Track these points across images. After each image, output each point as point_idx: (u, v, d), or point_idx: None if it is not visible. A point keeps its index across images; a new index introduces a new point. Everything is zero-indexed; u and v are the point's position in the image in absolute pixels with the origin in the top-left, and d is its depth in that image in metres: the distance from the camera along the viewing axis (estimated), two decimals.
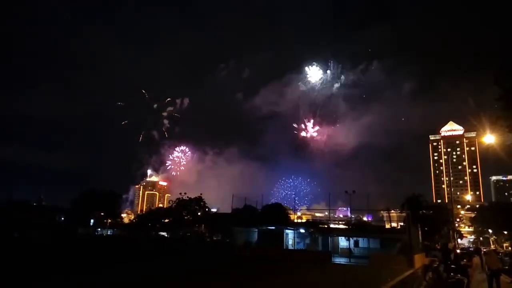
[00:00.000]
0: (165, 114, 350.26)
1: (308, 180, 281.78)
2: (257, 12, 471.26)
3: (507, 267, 24.51)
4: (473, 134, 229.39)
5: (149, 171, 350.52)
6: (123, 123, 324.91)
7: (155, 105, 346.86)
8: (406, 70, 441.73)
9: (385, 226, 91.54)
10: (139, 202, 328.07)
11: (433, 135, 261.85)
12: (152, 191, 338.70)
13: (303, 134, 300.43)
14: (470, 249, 43.22)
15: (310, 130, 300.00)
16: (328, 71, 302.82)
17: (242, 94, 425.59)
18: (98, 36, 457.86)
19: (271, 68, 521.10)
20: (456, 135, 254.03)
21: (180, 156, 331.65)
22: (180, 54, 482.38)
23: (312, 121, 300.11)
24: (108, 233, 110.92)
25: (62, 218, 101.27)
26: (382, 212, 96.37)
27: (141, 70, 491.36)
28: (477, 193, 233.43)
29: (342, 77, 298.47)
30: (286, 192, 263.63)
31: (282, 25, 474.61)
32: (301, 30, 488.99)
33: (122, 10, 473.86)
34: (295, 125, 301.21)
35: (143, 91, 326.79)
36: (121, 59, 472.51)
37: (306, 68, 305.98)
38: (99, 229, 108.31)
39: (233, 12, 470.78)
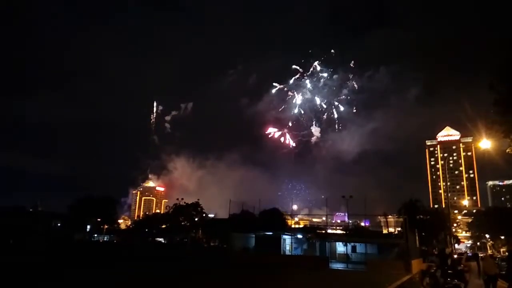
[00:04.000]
0: (168, 118, 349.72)
1: (307, 185, 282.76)
2: (263, 20, 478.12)
3: (504, 272, 24.44)
4: (469, 139, 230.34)
5: (149, 175, 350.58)
6: None
7: (160, 109, 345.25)
8: (407, 76, 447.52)
9: (382, 231, 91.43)
10: (136, 207, 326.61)
11: (429, 140, 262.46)
12: (149, 196, 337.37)
13: (306, 139, 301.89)
14: (469, 254, 43.13)
15: (313, 136, 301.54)
16: (334, 77, 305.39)
17: (246, 100, 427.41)
18: (101, 41, 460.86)
19: (277, 74, 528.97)
20: (453, 140, 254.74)
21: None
22: (186, 60, 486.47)
23: (315, 127, 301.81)
24: (105, 239, 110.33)
25: (59, 224, 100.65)
26: (379, 217, 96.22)
27: (145, 76, 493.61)
28: (474, 198, 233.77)
29: (347, 83, 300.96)
30: (286, 197, 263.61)
31: (288, 33, 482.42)
32: (305, 37, 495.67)
33: (126, 16, 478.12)
34: (298, 131, 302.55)
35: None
36: (125, 64, 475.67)
37: (311, 75, 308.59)
38: (95, 235, 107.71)
39: (241, 20, 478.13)
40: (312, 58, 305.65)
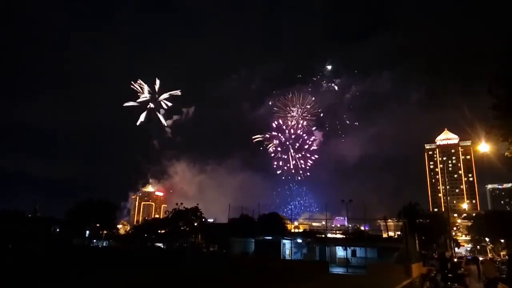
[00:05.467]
0: (169, 122, 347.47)
1: (306, 189, 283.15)
2: (265, 25, 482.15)
3: (504, 276, 24.47)
4: (468, 143, 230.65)
5: (150, 180, 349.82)
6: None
7: (162, 113, 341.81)
8: (407, 81, 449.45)
9: (382, 235, 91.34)
10: (135, 212, 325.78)
11: (428, 144, 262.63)
12: (148, 201, 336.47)
13: (308, 143, 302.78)
14: (468, 257, 43.16)
15: (315, 140, 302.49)
16: (335, 82, 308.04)
17: (248, 105, 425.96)
18: (101, 44, 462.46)
19: (280, 79, 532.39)
20: (452, 143, 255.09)
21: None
22: (188, 64, 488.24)
23: (316, 131, 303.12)
24: (104, 244, 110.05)
25: (58, 230, 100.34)
26: (379, 221, 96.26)
27: (146, 79, 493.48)
28: (474, 201, 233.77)
29: (350, 88, 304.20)
30: (286, 201, 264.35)
31: (291, 38, 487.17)
32: (307, 41, 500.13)
33: (127, 19, 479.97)
34: (300, 135, 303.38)
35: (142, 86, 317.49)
36: (126, 68, 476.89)
37: (313, 79, 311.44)
38: (94, 240, 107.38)
39: (245, 25, 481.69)
40: (314, 64, 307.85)
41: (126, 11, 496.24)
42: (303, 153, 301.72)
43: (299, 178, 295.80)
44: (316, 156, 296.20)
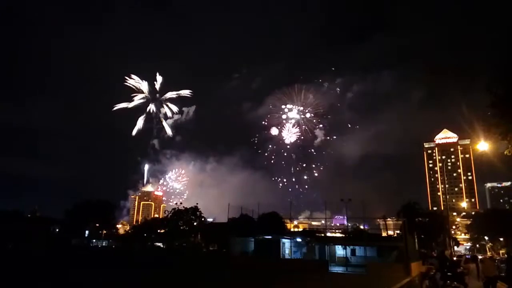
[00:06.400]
0: (170, 122, 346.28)
1: (308, 188, 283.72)
2: (265, 25, 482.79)
3: (503, 274, 24.48)
4: (467, 142, 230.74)
5: (150, 179, 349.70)
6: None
7: (163, 112, 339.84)
8: (406, 80, 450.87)
9: (381, 234, 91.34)
10: (134, 212, 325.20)
11: (427, 143, 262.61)
12: (148, 201, 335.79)
13: (308, 143, 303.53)
14: (467, 256, 43.20)
15: (316, 140, 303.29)
16: (336, 81, 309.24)
17: (248, 104, 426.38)
18: (99, 44, 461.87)
19: (280, 79, 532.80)
20: (451, 142, 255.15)
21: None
22: (190, 63, 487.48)
23: (318, 130, 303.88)
24: (103, 244, 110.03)
25: (57, 230, 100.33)
26: (378, 220, 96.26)
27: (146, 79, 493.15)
28: (473, 200, 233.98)
29: (351, 88, 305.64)
30: (286, 200, 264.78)
31: (291, 38, 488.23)
32: (308, 41, 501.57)
33: (126, 19, 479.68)
34: (300, 134, 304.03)
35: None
36: (125, 68, 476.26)
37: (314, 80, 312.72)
38: (93, 240, 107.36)
39: (245, 25, 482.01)
40: (314, 64, 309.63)
41: (126, 11, 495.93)
42: (305, 154, 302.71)
43: (301, 189, 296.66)
44: (325, 166, 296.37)
